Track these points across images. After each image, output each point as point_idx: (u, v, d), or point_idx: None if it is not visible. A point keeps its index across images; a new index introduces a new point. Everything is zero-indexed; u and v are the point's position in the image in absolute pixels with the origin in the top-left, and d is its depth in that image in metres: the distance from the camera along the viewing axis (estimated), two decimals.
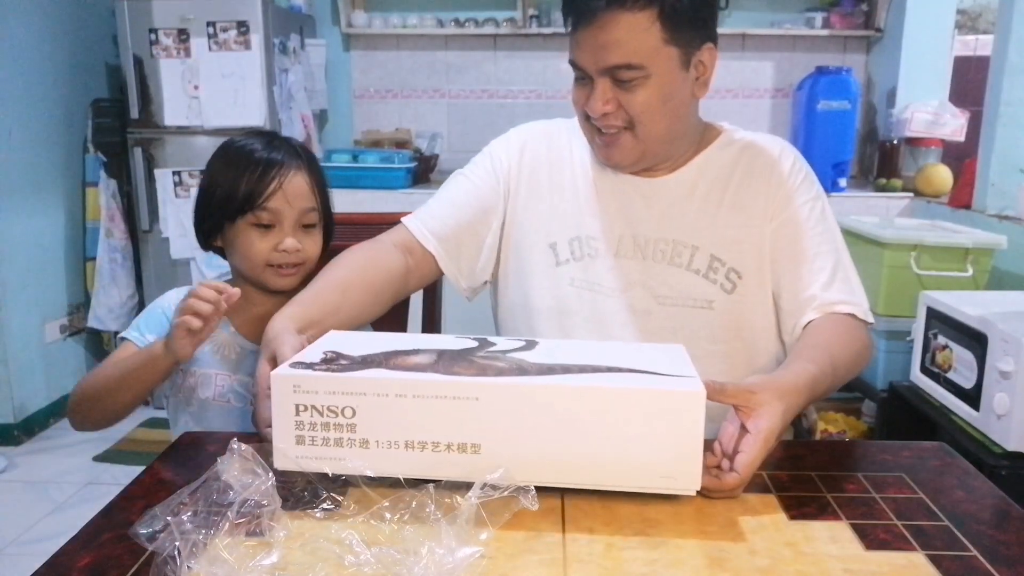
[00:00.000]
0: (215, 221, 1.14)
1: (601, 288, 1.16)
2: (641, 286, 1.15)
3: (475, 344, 0.91)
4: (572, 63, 1.09)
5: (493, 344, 0.91)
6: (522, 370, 0.81)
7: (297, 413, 0.78)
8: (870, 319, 1.13)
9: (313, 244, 1.16)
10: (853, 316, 1.11)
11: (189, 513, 0.71)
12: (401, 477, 0.79)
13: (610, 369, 0.82)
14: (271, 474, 0.76)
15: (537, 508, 0.75)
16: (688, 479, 0.78)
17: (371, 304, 1.11)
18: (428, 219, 1.21)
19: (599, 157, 1.16)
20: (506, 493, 0.74)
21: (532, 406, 0.77)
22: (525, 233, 1.22)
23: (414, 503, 0.75)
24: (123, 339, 1.15)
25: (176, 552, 0.68)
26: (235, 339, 1.15)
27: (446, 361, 0.83)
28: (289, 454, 0.79)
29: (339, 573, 0.69)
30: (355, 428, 0.78)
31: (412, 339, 0.92)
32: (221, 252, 1.19)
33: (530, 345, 0.91)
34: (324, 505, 0.79)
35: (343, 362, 0.82)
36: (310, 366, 0.81)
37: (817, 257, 1.13)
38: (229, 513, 0.71)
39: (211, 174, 1.14)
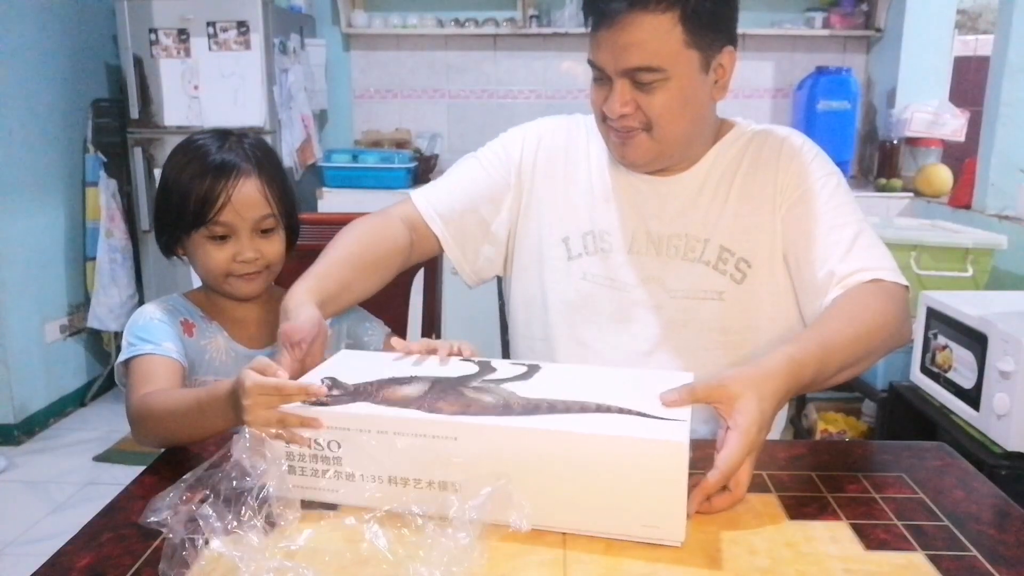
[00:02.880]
0: (172, 234, 1.12)
1: (615, 283, 1.16)
2: (655, 281, 1.15)
3: (475, 370, 0.91)
4: (591, 63, 1.08)
5: (494, 370, 0.91)
6: (507, 406, 0.80)
7: (287, 444, 0.79)
8: (901, 280, 1.06)
9: (273, 248, 1.12)
10: (879, 281, 1.04)
11: (205, 498, 0.72)
12: (387, 508, 0.78)
13: (599, 408, 0.79)
14: (285, 465, 0.77)
15: (528, 530, 0.73)
16: (671, 530, 0.74)
17: (378, 280, 1.14)
18: (435, 199, 1.22)
19: (615, 156, 1.16)
20: (501, 508, 0.73)
21: (509, 447, 0.75)
22: (538, 227, 1.22)
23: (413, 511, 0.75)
24: (134, 357, 1.04)
25: (191, 536, 0.69)
26: (230, 345, 1.15)
27: (436, 392, 0.83)
28: (283, 483, 0.80)
29: (360, 560, 0.70)
30: (340, 461, 0.79)
31: (413, 363, 0.93)
32: (183, 259, 1.16)
33: (531, 372, 0.91)
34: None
35: (335, 392, 0.82)
36: None
37: (833, 231, 1.09)
38: (249, 499, 0.73)
39: (165, 180, 1.11)
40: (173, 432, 0.95)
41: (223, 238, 1.09)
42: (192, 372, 1.12)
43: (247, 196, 1.08)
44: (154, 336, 1.07)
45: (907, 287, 1.07)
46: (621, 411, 0.79)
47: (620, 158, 1.15)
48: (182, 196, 1.08)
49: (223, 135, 1.12)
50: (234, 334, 1.16)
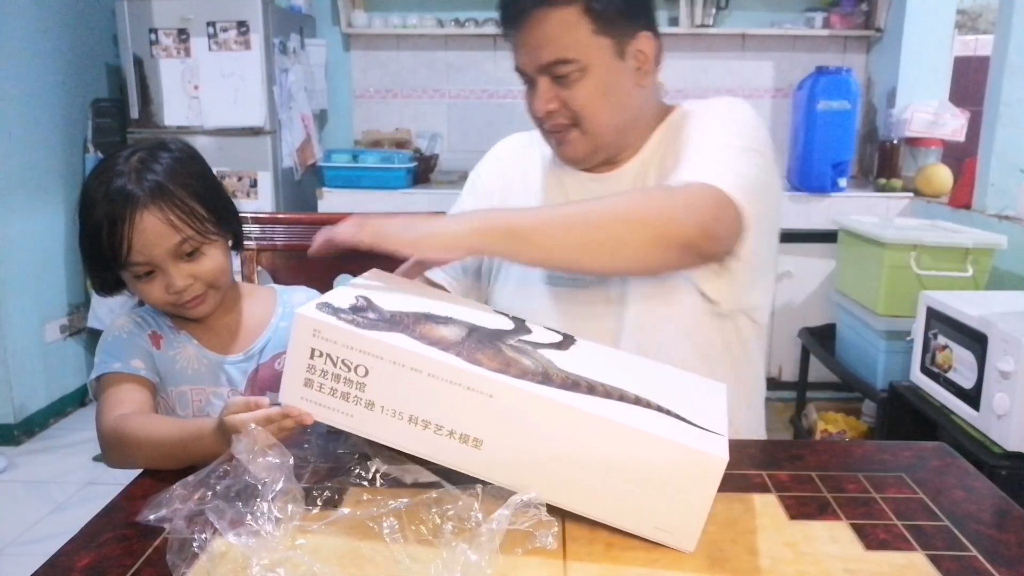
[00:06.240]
0: (102, 275, 1.09)
1: (578, 281, 1.15)
2: (618, 281, 1.13)
3: (511, 327, 0.89)
4: (517, 70, 1.11)
5: (529, 332, 0.89)
6: (547, 376, 0.78)
7: (311, 356, 0.76)
8: (714, 182, 0.95)
9: (206, 267, 1.06)
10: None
11: (204, 496, 0.72)
12: (398, 448, 0.78)
13: (638, 400, 0.78)
14: (290, 459, 0.76)
15: (555, 547, 0.73)
16: (684, 538, 0.74)
17: None
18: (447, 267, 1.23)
19: (557, 156, 1.18)
20: (526, 526, 0.72)
21: (544, 419, 0.74)
22: None
23: (432, 511, 0.74)
24: (103, 375, 1.06)
25: (199, 530, 0.69)
26: (200, 352, 1.13)
27: (473, 342, 0.80)
28: (295, 392, 0.78)
29: (368, 558, 0.70)
30: (364, 388, 0.76)
31: (450, 303, 0.91)
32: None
33: (567, 343, 0.89)
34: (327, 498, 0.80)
35: (371, 315, 0.79)
36: (337, 311, 0.78)
37: (689, 151, 1.04)
38: (257, 495, 0.72)
39: (80, 222, 1.07)
40: (152, 459, 0.93)
41: (150, 274, 1.05)
42: (164, 384, 1.11)
43: (150, 231, 1.01)
44: (122, 354, 1.08)
45: (720, 189, 0.95)
46: (660, 409, 0.78)
47: (561, 158, 1.16)
48: (93, 241, 1.04)
49: (127, 156, 1.05)
50: (205, 341, 1.14)
